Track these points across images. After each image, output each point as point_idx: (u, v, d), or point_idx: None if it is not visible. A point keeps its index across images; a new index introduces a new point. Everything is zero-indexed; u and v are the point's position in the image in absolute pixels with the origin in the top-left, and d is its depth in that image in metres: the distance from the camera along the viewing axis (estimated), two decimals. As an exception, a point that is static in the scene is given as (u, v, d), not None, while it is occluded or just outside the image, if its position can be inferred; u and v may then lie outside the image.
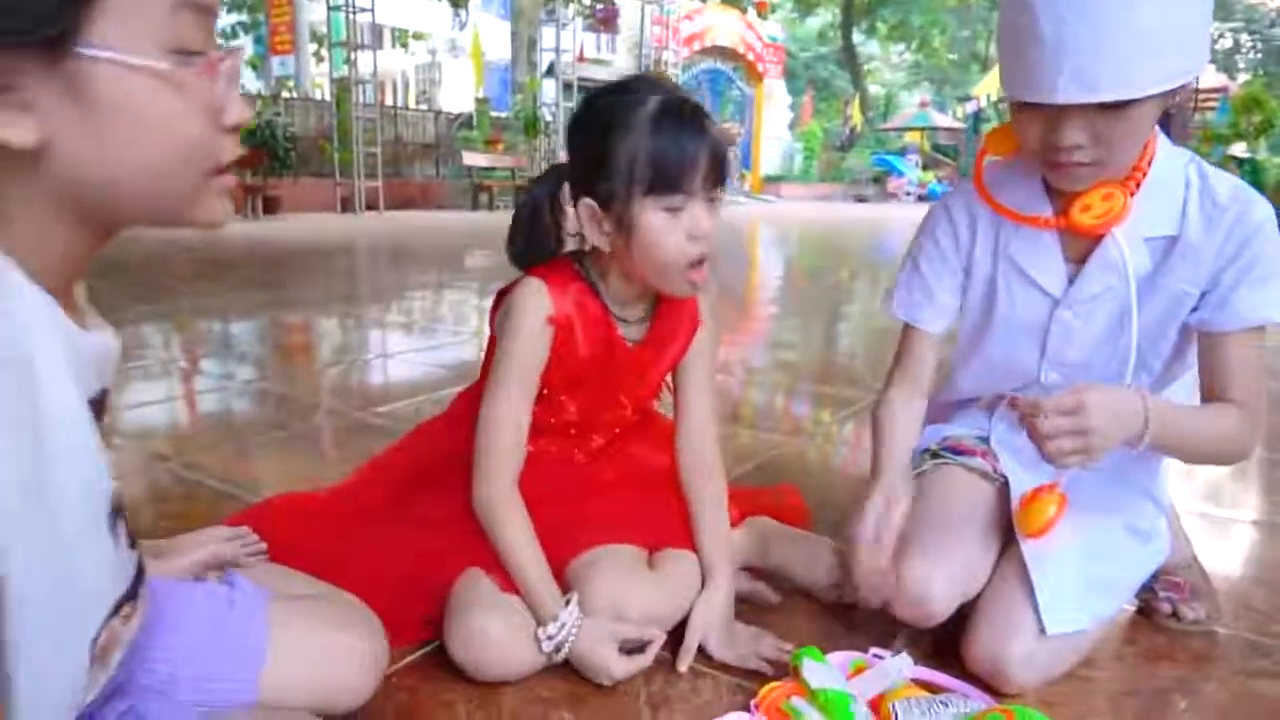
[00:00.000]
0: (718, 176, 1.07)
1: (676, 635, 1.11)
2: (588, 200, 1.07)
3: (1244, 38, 34.66)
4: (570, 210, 1.11)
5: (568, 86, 14.66)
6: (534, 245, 1.15)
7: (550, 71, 15.22)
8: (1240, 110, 13.86)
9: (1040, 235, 1.12)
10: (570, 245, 1.17)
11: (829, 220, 13.98)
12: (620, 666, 1.04)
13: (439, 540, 1.15)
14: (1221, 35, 34.85)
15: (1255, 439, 1.08)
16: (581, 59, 16.03)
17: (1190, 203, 1.05)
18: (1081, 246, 1.10)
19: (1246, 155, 12.46)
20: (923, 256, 1.21)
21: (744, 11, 21.46)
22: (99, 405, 0.63)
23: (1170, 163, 1.06)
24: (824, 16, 33.19)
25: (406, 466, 1.32)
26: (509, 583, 1.09)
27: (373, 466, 1.38)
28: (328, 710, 0.89)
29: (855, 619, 1.23)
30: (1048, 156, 1.01)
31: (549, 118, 14.85)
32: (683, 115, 1.05)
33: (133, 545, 0.68)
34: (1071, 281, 1.11)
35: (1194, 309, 1.07)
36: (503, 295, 1.17)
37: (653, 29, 17.72)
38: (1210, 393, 1.07)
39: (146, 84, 0.54)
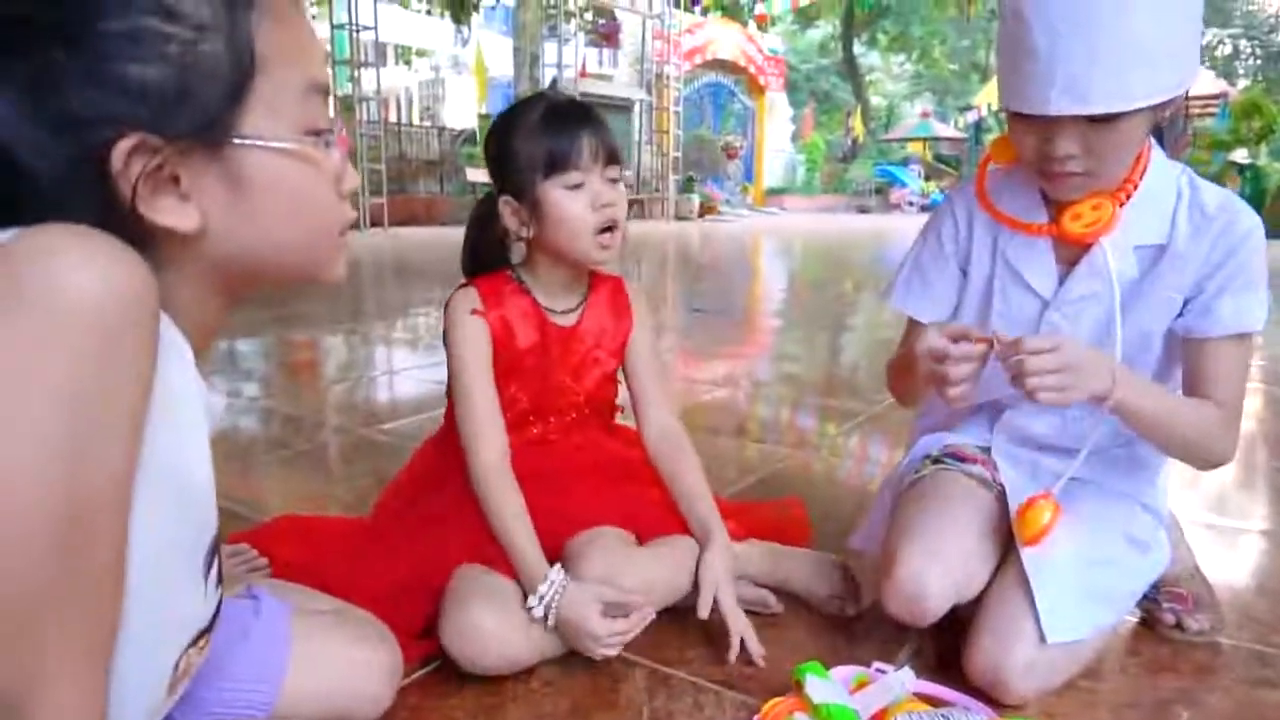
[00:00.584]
0: (608, 156, 1.22)
1: (675, 639, 1.12)
2: (506, 197, 1.24)
3: (1243, 43, 34.70)
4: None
5: (570, 101, 14.72)
6: (480, 259, 1.31)
7: (553, 87, 15.30)
8: (1240, 116, 13.87)
9: (1035, 239, 1.14)
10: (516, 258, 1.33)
11: (832, 232, 14.00)
12: (601, 626, 1.06)
13: (436, 546, 1.19)
14: (1221, 41, 34.89)
15: (1230, 442, 1.10)
16: (584, 74, 16.12)
17: (1180, 213, 1.07)
18: (1073, 251, 1.12)
19: (1247, 161, 12.46)
20: (924, 251, 1.26)
21: (745, 25, 21.54)
22: None
23: (1162, 174, 1.08)
24: (824, 28, 33.32)
25: (405, 490, 1.37)
26: (503, 566, 1.12)
27: (378, 505, 1.41)
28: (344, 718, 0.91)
29: (858, 634, 1.23)
30: (1042, 167, 1.04)
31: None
32: (565, 109, 1.22)
33: (220, 581, 0.70)
34: (1062, 283, 1.14)
35: (1179, 315, 1.09)
36: (448, 306, 1.29)
37: (654, 43, 17.79)
38: (1193, 396, 1.10)
39: (289, 164, 0.60)
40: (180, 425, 0.57)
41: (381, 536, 1.28)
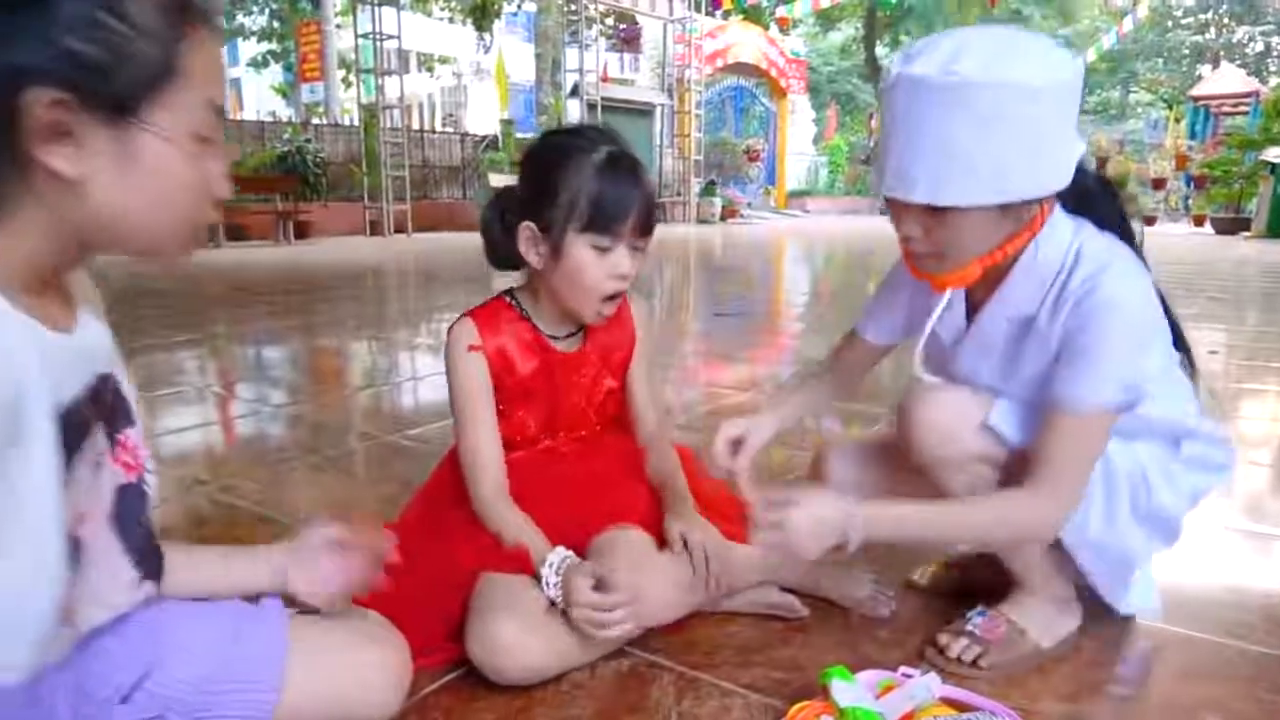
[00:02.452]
0: (646, 227, 1.23)
1: (703, 643, 1.12)
2: (529, 223, 1.23)
3: (1275, 40, 34.14)
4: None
5: (592, 107, 14.79)
6: (498, 255, 1.30)
7: (574, 92, 15.36)
8: (1272, 114, 13.67)
9: None
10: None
11: (854, 233, 13.93)
12: (585, 596, 1.08)
13: (462, 550, 1.20)
14: (1252, 39, 34.35)
15: (1047, 524, 1.08)
16: (605, 79, 16.19)
17: (1054, 287, 1.07)
18: (985, 292, 1.13)
19: (1279, 160, 12.24)
20: (890, 276, 1.31)
21: (766, 28, 21.51)
22: (97, 396, 0.74)
23: (1053, 246, 1.06)
24: (846, 31, 33.20)
25: (432, 496, 1.39)
26: (525, 563, 1.15)
27: (405, 511, 1.43)
28: None
29: (884, 638, 1.23)
30: (900, 243, 1.11)
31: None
32: (624, 168, 1.21)
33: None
34: (970, 320, 1.18)
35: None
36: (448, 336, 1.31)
37: (675, 48, 17.82)
38: (1028, 462, 1.07)
39: (172, 156, 0.70)
40: None
41: (409, 541, 1.29)
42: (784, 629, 1.25)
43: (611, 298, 1.25)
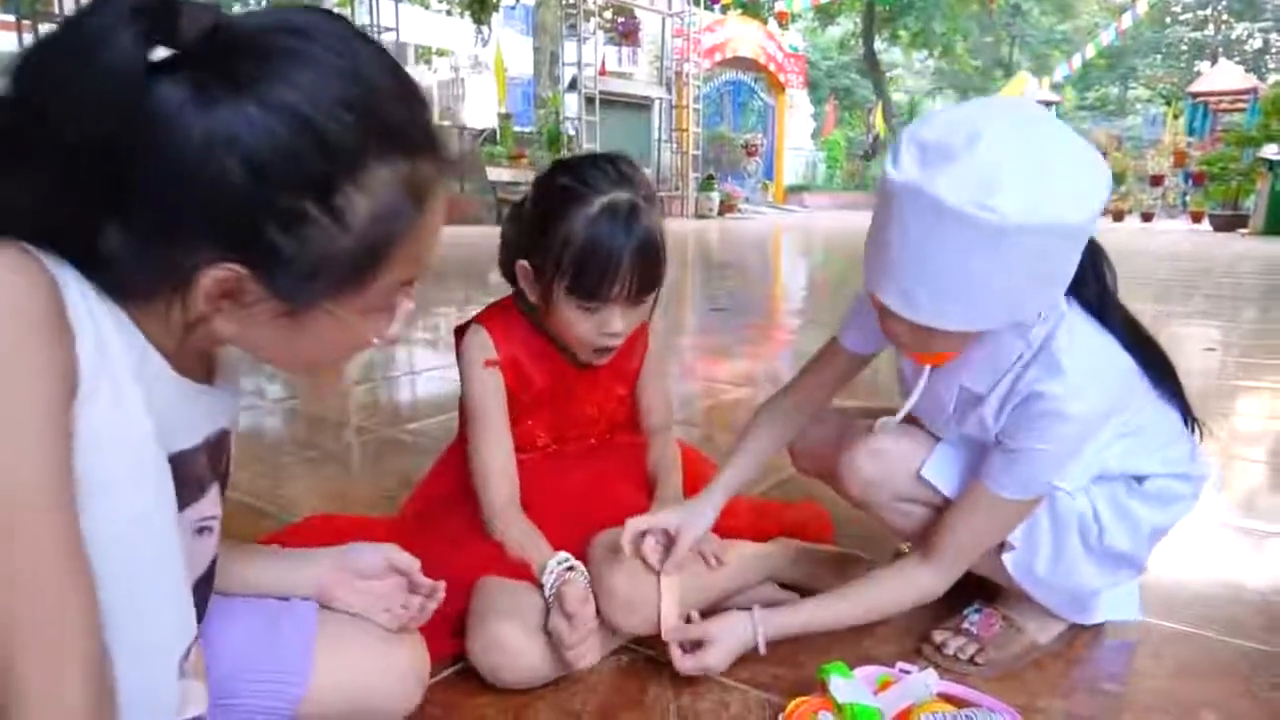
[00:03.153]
0: (642, 288, 1.16)
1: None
2: (524, 262, 1.19)
3: (1274, 37, 34.13)
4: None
5: (590, 100, 14.76)
6: (511, 272, 1.27)
7: (573, 86, 15.32)
8: (1271, 112, 13.67)
9: None
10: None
11: (852, 229, 13.92)
12: (557, 620, 1.07)
13: (465, 544, 1.21)
14: (1250, 35, 34.34)
15: (933, 593, 1.13)
16: (603, 73, 16.13)
17: (1008, 375, 1.05)
18: None
19: (1277, 157, 12.26)
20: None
21: (765, 22, 21.47)
22: (214, 451, 0.71)
23: (1018, 337, 1.03)
24: (845, 25, 33.11)
25: (433, 490, 1.39)
26: (525, 571, 1.15)
27: (407, 504, 1.44)
28: (372, 717, 0.93)
29: (882, 634, 1.23)
30: (883, 333, 1.07)
31: (572, 132, 14.94)
32: (620, 222, 1.11)
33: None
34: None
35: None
36: (460, 332, 1.28)
37: (674, 41, 17.79)
38: (932, 528, 1.13)
39: (342, 330, 0.65)
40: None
41: (412, 535, 1.29)
42: (782, 625, 1.25)
43: (604, 350, 1.22)
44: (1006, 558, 1.13)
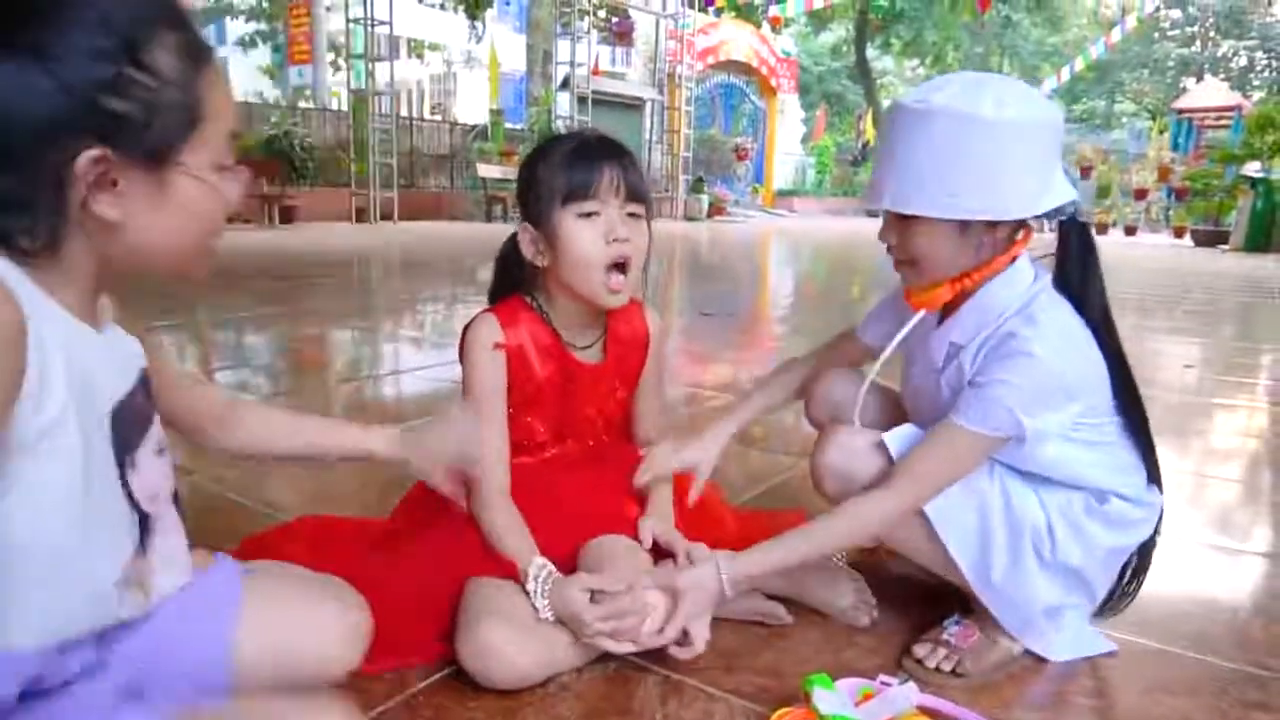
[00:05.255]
0: (630, 192, 1.24)
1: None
2: (525, 224, 1.27)
3: (1259, 55, 34.54)
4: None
5: (582, 99, 14.76)
6: (504, 287, 1.36)
7: (565, 84, 15.32)
8: (1254, 129, 13.83)
9: None
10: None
11: (840, 234, 14.00)
12: (589, 611, 1.10)
13: (455, 548, 1.22)
14: (1236, 53, 34.72)
15: (887, 516, 1.17)
16: (596, 72, 16.13)
17: (989, 326, 1.15)
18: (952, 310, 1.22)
19: (1260, 174, 12.42)
20: (891, 291, 1.39)
21: (758, 26, 21.54)
22: (133, 404, 0.80)
23: (1008, 291, 1.16)
24: (838, 31, 33.24)
25: (425, 492, 1.37)
26: (511, 570, 1.17)
27: (398, 507, 1.44)
28: (310, 681, 0.89)
29: (864, 646, 1.26)
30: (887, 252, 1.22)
31: (563, 130, 14.92)
32: (594, 143, 1.26)
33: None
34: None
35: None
36: (467, 331, 1.31)
37: (667, 43, 17.82)
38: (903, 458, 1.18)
39: (202, 191, 0.77)
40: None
41: (402, 537, 1.31)
42: (768, 635, 1.28)
43: (617, 266, 1.24)
44: (964, 564, 1.16)
